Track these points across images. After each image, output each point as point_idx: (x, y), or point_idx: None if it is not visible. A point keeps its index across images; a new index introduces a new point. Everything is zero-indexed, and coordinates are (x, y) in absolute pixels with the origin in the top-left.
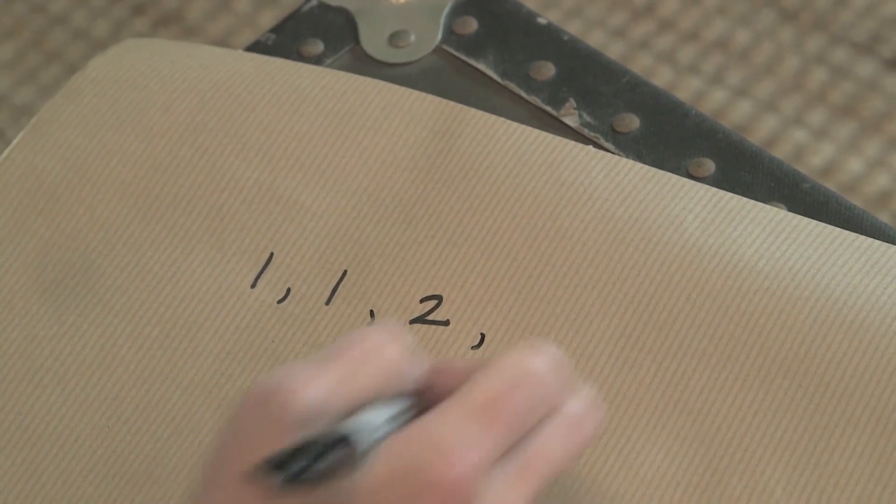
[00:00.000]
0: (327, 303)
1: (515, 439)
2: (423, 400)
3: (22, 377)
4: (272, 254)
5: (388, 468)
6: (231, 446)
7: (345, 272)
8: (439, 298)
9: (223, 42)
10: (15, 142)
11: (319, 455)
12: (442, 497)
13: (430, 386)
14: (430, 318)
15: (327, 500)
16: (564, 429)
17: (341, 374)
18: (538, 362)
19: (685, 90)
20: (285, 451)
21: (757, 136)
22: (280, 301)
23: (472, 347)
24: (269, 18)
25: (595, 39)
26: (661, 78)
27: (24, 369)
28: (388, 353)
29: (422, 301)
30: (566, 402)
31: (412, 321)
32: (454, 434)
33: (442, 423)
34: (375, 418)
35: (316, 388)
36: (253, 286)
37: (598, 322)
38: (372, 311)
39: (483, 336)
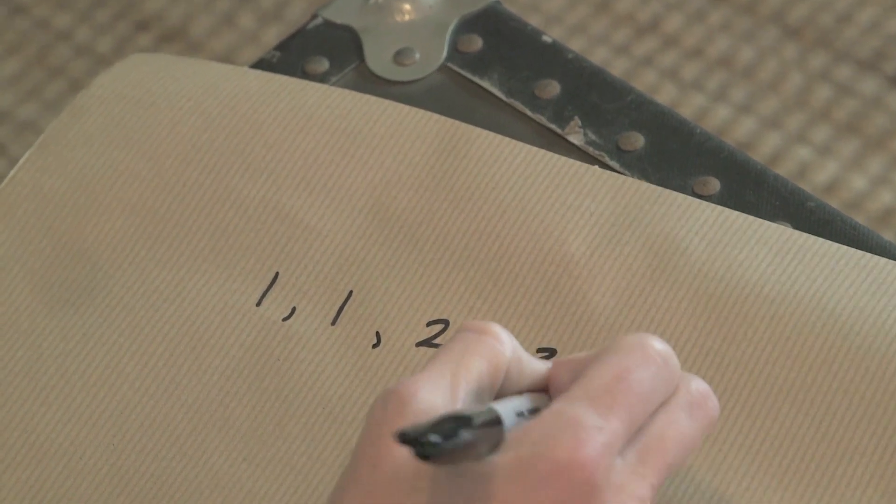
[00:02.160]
0: (333, 323)
1: (641, 421)
2: (551, 395)
3: (28, 395)
4: (277, 273)
5: (522, 449)
6: (361, 446)
7: (350, 292)
8: (446, 323)
9: (227, 58)
10: (21, 161)
11: (468, 428)
12: (573, 479)
13: (554, 381)
14: (436, 341)
15: (470, 475)
16: (688, 409)
17: (442, 368)
18: (658, 343)
19: (689, 107)
20: (435, 422)
21: (761, 153)
22: (285, 320)
23: None
24: (272, 35)
25: (599, 56)
26: (665, 94)
27: (29, 387)
28: (487, 344)
29: (428, 325)
30: (686, 383)
31: (418, 344)
32: (582, 415)
33: (570, 406)
34: (514, 405)
35: (421, 382)
36: (258, 305)
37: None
38: (378, 333)
39: None
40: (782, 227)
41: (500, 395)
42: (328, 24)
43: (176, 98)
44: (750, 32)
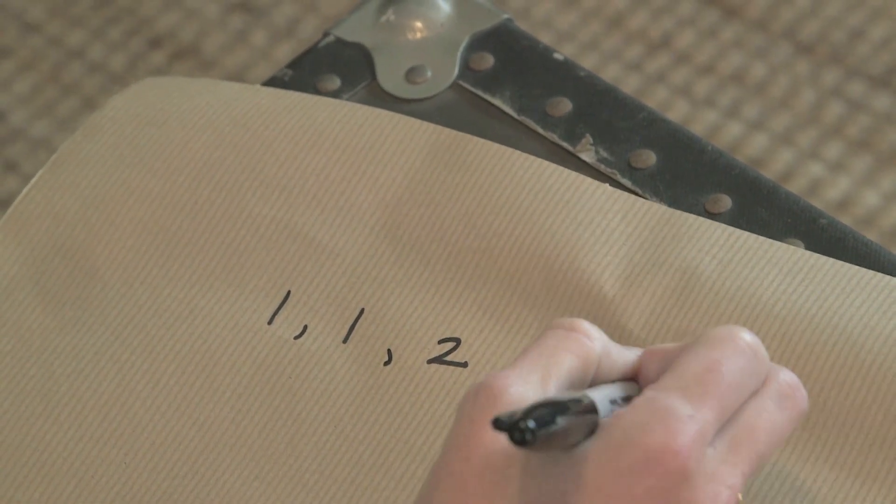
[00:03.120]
0: (345, 341)
1: (731, 411)
2: (641, 384)
3: (40, 413)
4: (289, 291)
5: (615, 436)
6: (453, 437)
7: (362, 310)
8: (457, 341)
9: (239, 75)
10: (34, 180)
11: (563, 414)
12: (666, 466)
13: (644, 370)
14: (448, 358)
15: (562, 462)
16: (778, 399)
17: (532, 364)
18: (747, 335)
19: (701, 123)
20: (531, 408)
21: (773, 169)
22: (297, 338)
23: None
24: (285, 52)
25: (611, 73)
26: (677, 111)
27: (41, 406)
28: (576, 341)
29: (440, 342)
30: (775, 374)
31: (430, 361)
32: (675, 404)
33: (662, 395)
34: (608, 392)
35: (512, 376)
36: (270, 323)
37: None
38: (389, 350)
39: None
40: (793, 247)
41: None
42: (340, 43)
43: (188, 116)
44: (762, 49)
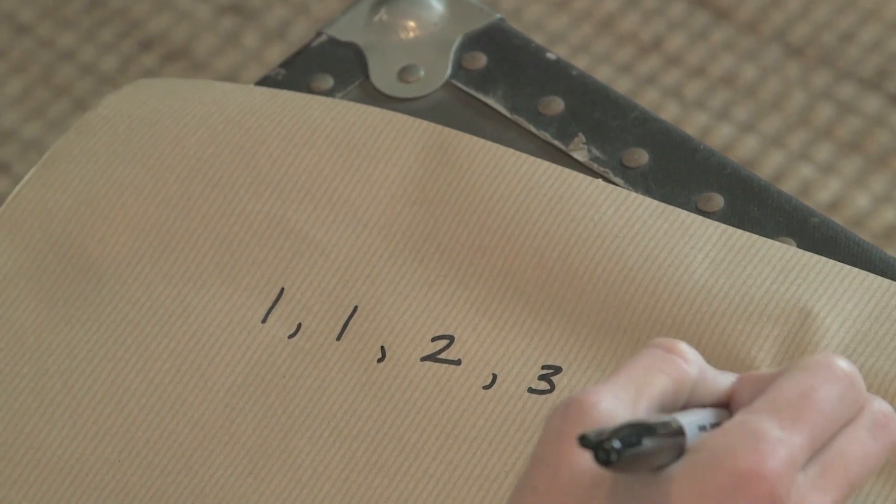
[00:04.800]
0: (338, 338)
1: (824, 438)
2: (732, 410)
3: (34, 411)
4: (283, 289)
5: (702, 458)
6: (540, 452)
7: (356, 308)
8: (451, 338)
9: (231, 77)
10: (26, 178)
11: (650, 436)
12: (754, 491)
13: (736, 396)
14: (441, 356)
15: (648, 482)
16: (872, 428)
17: (626, 382)
18: (844, 363)
19: (692, 125)
20: (618, 428)
21: (764, 171)
22: (291, 336)
23: (483, 387)
24: (276, 54)
25: (602, 75)
26: (668, 113)
27: (35, 403)
28: (672, 362)
29: (433, 340)
30: (869, 403)
31: (423, 358)
32: (766, 427)
33: (753, 418)
34: (697, 418)
35: (604, 393)
36: (264, 321)
37: (611, 368)
38: (383, 348)
39: (495, 376)
40: (785, 245)
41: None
42: (333, 42)
43: (181, 114)
44: (752, 51)
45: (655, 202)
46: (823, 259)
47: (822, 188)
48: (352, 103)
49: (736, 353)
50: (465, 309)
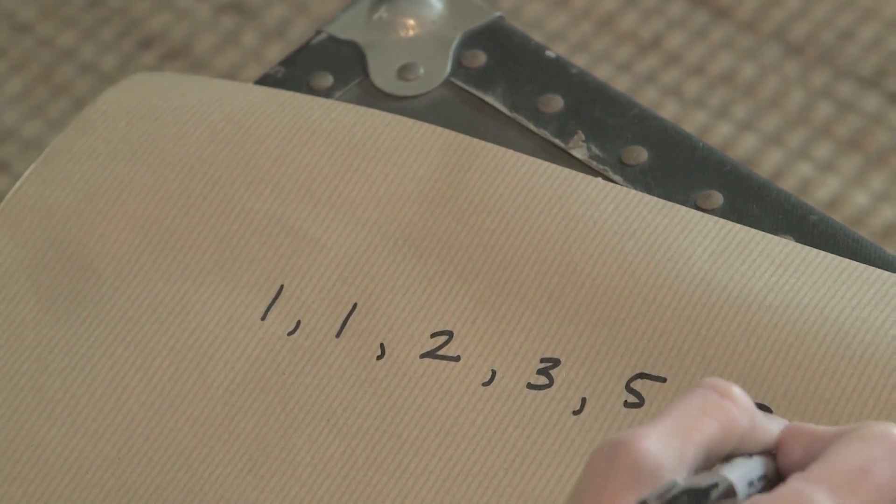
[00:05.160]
0: (337, 335)
1: None
2: (779, 461)
3: (34, 409)
4: (282, 286)
5: None
6: (582, 492)
7: (355, 305)
8: (450, 334)
9: (230, 75)
10: (26, 174)
11: (704, 501)
12: None
13: (785, 448)
14: (440, 352)
15: None
16: None
17: (675, 426)
18: None
19: (691, 124)
20: (675, 494)
21: (763, 169)
22: (290, 333)
23: (482, 384)
24: (275, 52)
25: (601, 73)
26: (667, 111)
27: (35, 401)
28: (723, 407)
29: (432, 336)
30: None
31: (422, 355)
32: (820, 501)
33: (809, 489)
34: (746, 471)
35: (653, 438)
36: (263, 318)
37: (608, 359)
38: (382, 345)
39: (494, 372)
40: (785, 240)
41: (728, 455)
42: (332, 40)
43: (181, 112)
44: (752, 50)
45: (655, 199)
46: (823, 253)
47: (821, 186)
48: (351, 105)
49: (735, 343)
50: (463, 303)
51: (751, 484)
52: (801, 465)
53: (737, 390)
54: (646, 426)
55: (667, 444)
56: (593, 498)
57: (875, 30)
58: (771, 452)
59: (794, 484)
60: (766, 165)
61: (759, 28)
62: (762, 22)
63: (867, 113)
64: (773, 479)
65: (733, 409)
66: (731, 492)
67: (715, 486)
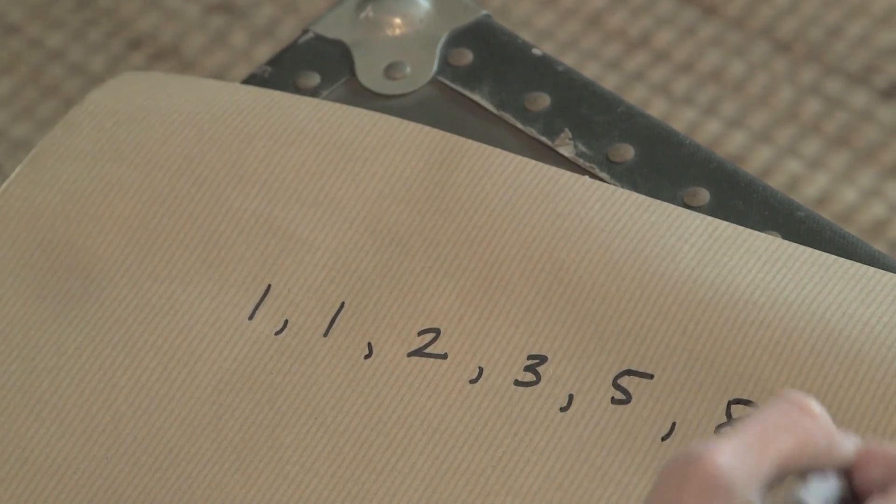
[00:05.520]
0: (325, 334)
1: None
2: (855, 481)
3: (21, 409)
4: (270, 286)
5: None
6: None
7: (342, 304)
8: (437, 331)
9: (219, 75)
10: (13, 175)
11: None
12: None
13: (863, 471)
14: (427, 350)
15: None
16: None
17: (751, 441)
18: None
19: (680, 121)
20: None
21: (751, 166)
22: (278, 333)
23: (470, 381)
24: (264, 53)
25: (590, 72)
26: (656, 109)
27: (23, 402)
28: (800, 422)
29: (420, 334)
30: None
31: (410, 354)
32: None
33: None
34: (825, 494)
35: (728, 453)
36: (251, 318)
37: (595, 356)
38: (370, 343)
39: (481, 370)
40: (772, 236)
41: (802, 472)
42: (319, 39)
43: (168, 112)
44: (740, 47)
45: (642, 197)
46: (809, 250)
47: (809, 183)
48: (338, 104)
49: (722, 340)
50: (450, 301)
51: (834, 498)
52: (881, 486)
53: (816, 406)
54: (722, 439)
55: (741, 460)
56: None
57: (863, 26)
58: (845, 472)
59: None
60: (755, 162)
61: (747, 25)
62: (750, 19)
63: (855, 109)
64: (849, 500)
65: (811, 425)
66: None
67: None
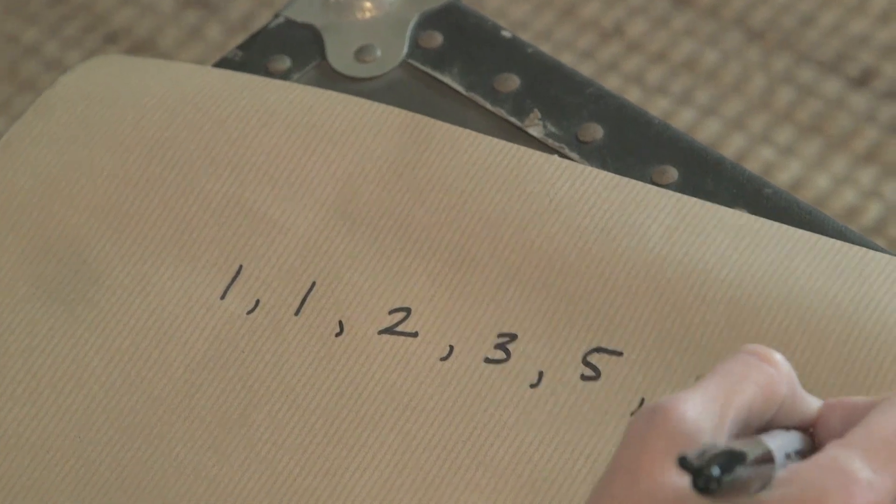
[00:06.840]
0: (296, 313)
1: None
2: (817, 437)
3: None
4: (241, 266)
5: (791, 492)
6: (620, 457)
7: (314, 283)
8: (408, 310)
9: None
10: None
11: (742, 464)
12: None
13: (824, 423)
14: (398, 329)
15: None
16: None
17: (714, 391)
18: None
19: (654, 110)
20: (716, 453)
21: (725, 153)
22: (249, 312)
23: (440, 359)
24: None
25: (565, 61)
26: (631, 98)
27: None
28: (763, 371)
29: (390, 313)
30: None
31: (381, 332)
32: (857, 468)
33: (845, 455)
34: (784, 443)
35: (692, 402)
36: (222, 298)
37: (565, 334)
38: (341, 322)
39: (452, 348)
40: (739, 212)
41: (766, 426)
42: (290, 23)
43: (139, 95)
44: (713, 36)
45: (610, 175)
46: (777, 224)
47: (783, 170)
48: (309, 87)
49: (691, 318)
50: (421, 280)
51: (788, 456)
52: (839, 434)
53: (778, 356)
54: (686, 391)
55: (706, 408)
56: (632, 462)
57: (835, 15)
58: (809, 430)
59: (830, 450)
60: (729, 150)
61: (720, 14)
62: (723, 8)
63: (828, 97)
64: (810, 454)
65: (774, 374)
66: (769, 457)
67: (757, 451)
